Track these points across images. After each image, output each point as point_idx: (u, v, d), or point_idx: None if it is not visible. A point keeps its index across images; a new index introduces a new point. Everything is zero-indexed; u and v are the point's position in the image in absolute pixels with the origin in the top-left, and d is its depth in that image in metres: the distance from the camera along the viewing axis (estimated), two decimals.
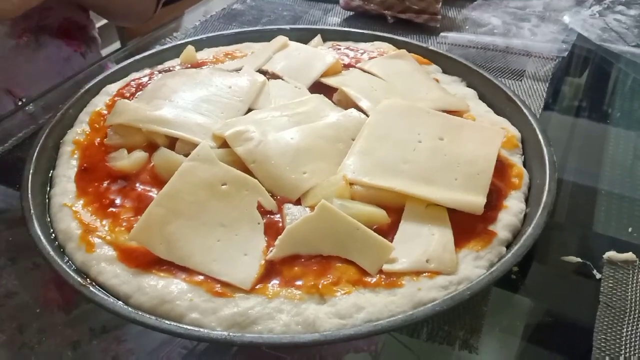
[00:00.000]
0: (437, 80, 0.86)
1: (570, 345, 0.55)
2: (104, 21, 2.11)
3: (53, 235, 0.61)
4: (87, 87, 0.83)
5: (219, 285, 0.54)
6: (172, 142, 0.70)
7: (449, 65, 0.90)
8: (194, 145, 0.65)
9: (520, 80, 0.96)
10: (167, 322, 0.50)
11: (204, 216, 0.59)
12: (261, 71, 0.85)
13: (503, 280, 0.55)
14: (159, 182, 0.64)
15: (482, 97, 0.83)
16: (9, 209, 0.65)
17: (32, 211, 0.61)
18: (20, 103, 0.95)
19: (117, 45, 2.03)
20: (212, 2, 1.30)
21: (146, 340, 0.56)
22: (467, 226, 0.60)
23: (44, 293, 0.61)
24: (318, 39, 0.97)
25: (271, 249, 0.57)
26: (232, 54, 0.93)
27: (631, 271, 0.60)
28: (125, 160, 0.68)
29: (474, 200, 0.61)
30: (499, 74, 0.98)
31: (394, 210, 0.62)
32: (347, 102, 0.78)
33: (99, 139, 0.73)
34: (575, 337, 0.56)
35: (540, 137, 0.71)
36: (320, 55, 0.87)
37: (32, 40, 1.03)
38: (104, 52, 1.25)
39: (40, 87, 0.94)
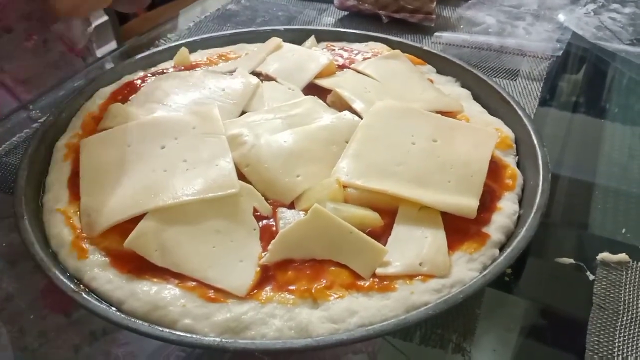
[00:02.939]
0: (431, 81, 0.86)
1: (564, 347, 0.55)
2: (100, 20, 2.11)
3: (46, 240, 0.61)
4: (80, 90, 0.82)
5: (212, 291, 0.54)
6: None
7: (443, 65, 0.90)
8: None
9: (515, 80, 0.96)
10: (159, 328, 0.50)
11: (199, 222, 0.59)
12: (255, 73, 0.85)
13: (496, 282, 0.55)
14: None
15: (476, 97, 0.83)
16: (7, 214, 0.65)
17: (24, 217, 0.61)
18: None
19: (113, 45, 2.02)
20: (207, 2, 1.29)
21: (147, 343, 0.56)
22: (460, 228, 0.60)
23: (44, 296, 0.61)
24: (312, 39, 0.96)
25: (264, 253, 0.57)
26: (226, 56, 0.93)
27: (624, 272, 0.60)
28: None
29: (467, 203, 0.61)
30: (493, 74, 0.98)
31: (388, 212, 0.61)
32: (341, 104, 0.77)
33: None
34: (569, 339, 0.56)
35: (534, 138, 0.70)
36: (314, 57, 0.86)
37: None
38: (100, 52, 1.24)
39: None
